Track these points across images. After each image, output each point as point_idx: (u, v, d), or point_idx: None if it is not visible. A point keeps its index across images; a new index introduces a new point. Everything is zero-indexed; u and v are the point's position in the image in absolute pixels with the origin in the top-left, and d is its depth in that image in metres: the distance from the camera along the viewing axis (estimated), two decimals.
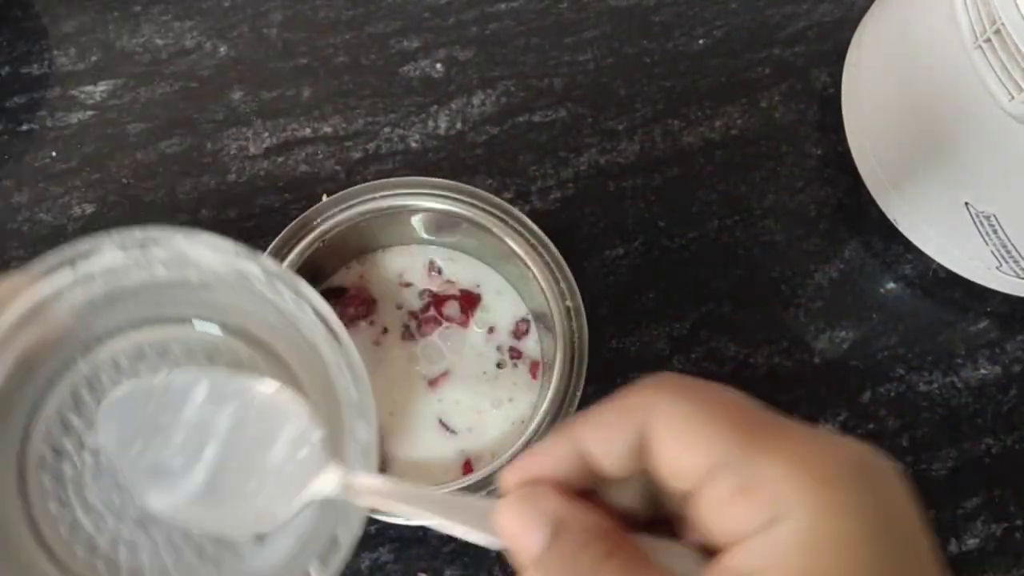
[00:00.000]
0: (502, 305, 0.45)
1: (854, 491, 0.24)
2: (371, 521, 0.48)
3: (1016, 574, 0.49)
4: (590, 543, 0.25)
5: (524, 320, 0.45)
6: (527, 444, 0.39)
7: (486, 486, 0.39)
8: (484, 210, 0.43)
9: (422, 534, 0.48)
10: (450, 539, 0.48)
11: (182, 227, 0.53)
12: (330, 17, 0.58)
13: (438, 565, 0.48)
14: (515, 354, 0.44)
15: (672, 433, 0.25)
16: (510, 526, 0.26)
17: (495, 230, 0.42)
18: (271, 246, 0.42)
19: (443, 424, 0.43)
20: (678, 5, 0.59)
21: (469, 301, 0.44)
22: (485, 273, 0.45)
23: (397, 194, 0.43)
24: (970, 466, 0.51)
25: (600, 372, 0.51)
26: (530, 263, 0.42)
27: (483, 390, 0.43)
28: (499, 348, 0.44)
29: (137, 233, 0.30)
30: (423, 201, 0.43)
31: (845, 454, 0.25)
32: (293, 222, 0.42)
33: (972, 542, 0.49)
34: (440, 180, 0.43)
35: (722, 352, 0.52)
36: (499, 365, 0.44)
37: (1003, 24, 0.40)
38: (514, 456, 0.39)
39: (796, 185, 0.56)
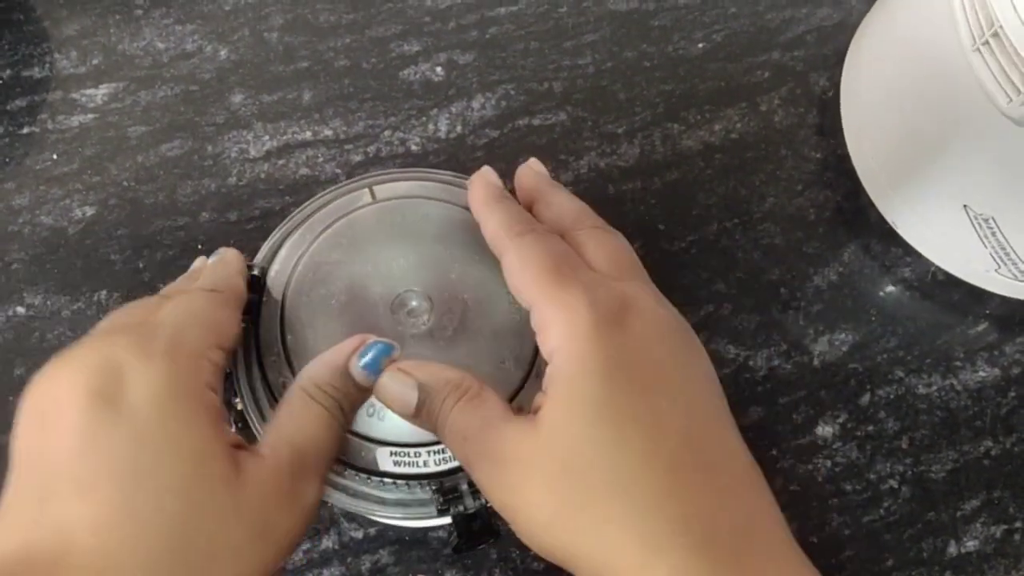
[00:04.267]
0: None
1: (596, 342, 0.31)
2: (370, 523, 0.48)
3: None
4: (448, 395, 0.33)
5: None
6: None
7: None
8: None
9: (422, 536, 0.48)
10: (451, 541, 0.48)
11: (182, 229, 0.53)
12: (331, 21, 0.58)
13: (438, 567, 0.48)
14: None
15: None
16: (391, 393, 0.34)
17: None
18: (269, 240, 0.42)
19: None
20: (677, 9, 0.59)
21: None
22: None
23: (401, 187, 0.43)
24: (969, 468, 0.51)
25: None
26: None
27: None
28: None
29: None
30: (427, 198, 0.43)
31: (604, 307, 0.32)
32: (292, 214, 0.42)
33: (971, 544, 0.49)
34: (446, 173, 0.43)
35: (721, 354, 0.52)
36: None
37: (1001, 27, 0.40)
38: None
39: (795, 188, 0.56)
